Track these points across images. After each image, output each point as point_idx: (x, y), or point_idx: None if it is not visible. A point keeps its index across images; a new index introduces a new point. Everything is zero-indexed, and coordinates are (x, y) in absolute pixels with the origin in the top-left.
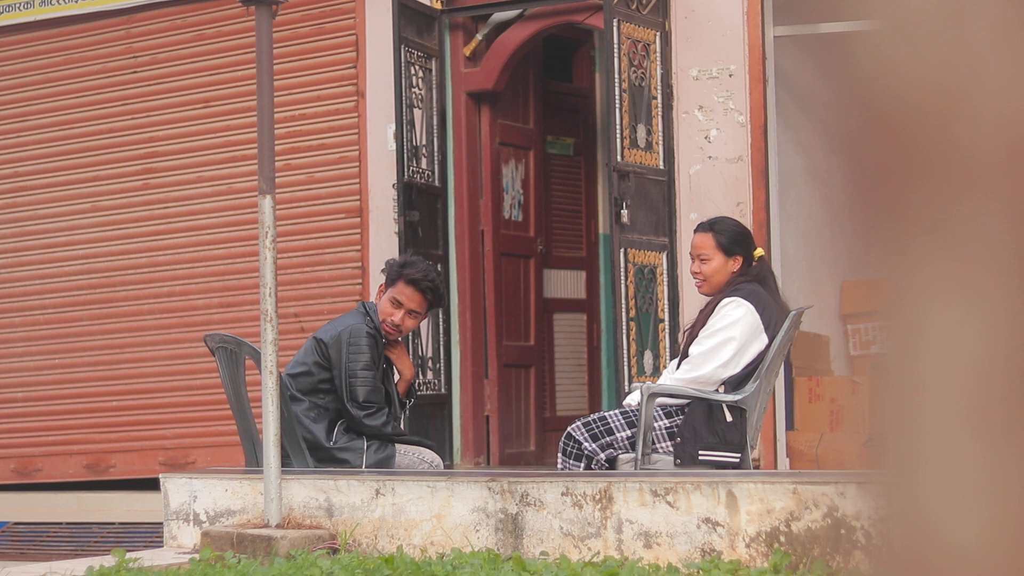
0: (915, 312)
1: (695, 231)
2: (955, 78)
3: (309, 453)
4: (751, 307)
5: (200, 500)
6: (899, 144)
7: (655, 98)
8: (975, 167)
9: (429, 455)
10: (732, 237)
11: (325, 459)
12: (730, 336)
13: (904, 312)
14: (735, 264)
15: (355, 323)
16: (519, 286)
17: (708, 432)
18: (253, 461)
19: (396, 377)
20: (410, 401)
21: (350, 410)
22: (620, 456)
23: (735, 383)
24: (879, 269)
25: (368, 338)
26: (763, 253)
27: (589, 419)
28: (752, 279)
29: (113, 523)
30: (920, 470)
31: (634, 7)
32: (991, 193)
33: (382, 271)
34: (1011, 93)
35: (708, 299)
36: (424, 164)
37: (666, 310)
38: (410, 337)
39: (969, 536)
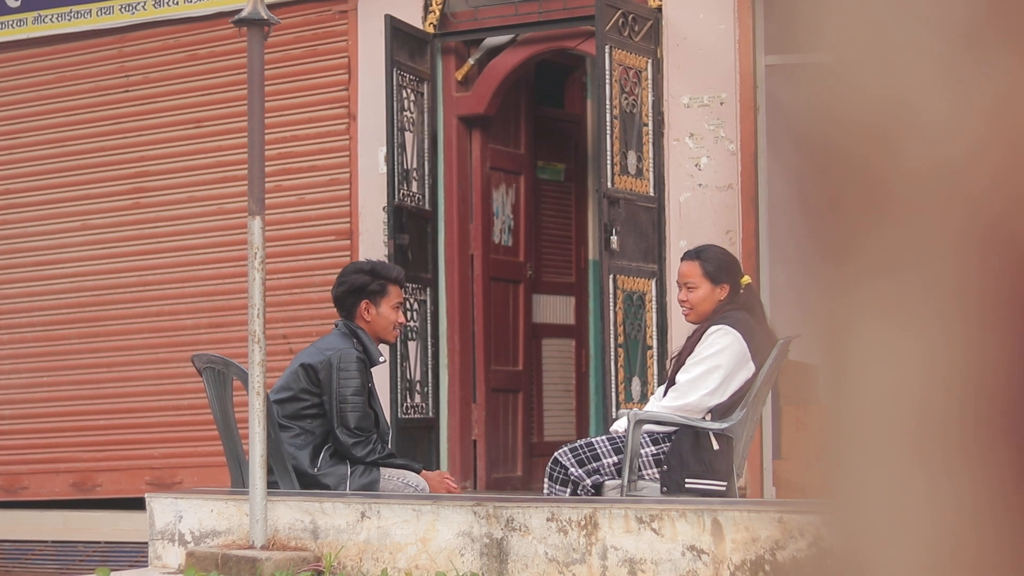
0: (845, 333)
1: (682, 259)
2: (889, 108)
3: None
4: (738, 335)
5: (185, 520)
6: (834, 166)
7: (646, 125)
8: (909, 192)
9: (414, 479)
10: (719, 265)
11: (310, 485)
12: (717, 364)
13: (835, 334)
14: (722, 292)
15: (344, 347)
16: (508, 311)
17: (695, 460)
18: (239, 482)
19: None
20: None
21: (340, 436)
22: (606, 482)
23: (722, 411)
24: (815, 292)
25: (358, 362)
26: (750, 281)
27: (576, 444)
28: (739, 307)
29: (99, 542)
30: (857, 498)
31: (626, 34)
32: (923, 219)
33: (346, 291)
34: (941, 125)
35: (695, 327)
36: (415, 187)
37: (654, 337)
38: (398, 360)
39: (906, 566)
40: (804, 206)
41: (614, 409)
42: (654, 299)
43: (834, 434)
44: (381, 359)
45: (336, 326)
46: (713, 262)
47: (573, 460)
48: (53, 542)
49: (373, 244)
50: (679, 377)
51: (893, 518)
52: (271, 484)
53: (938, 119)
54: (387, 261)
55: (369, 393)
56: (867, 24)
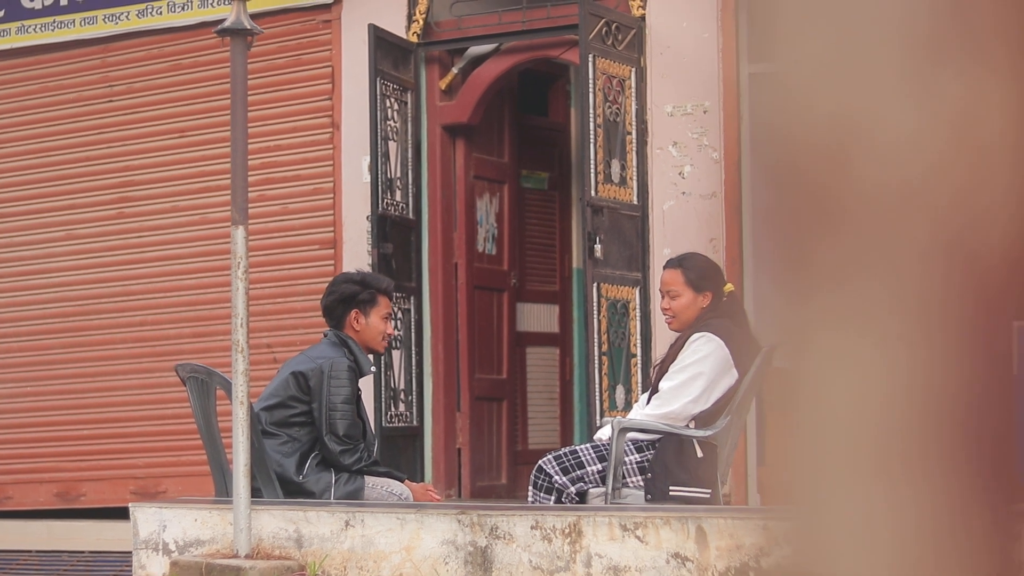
0: (806, 341)
1: (664, 267)
2: (845, 127)
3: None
4: (720, 342)
5: (169, 530)
6: (795, 180)
7: (630, 133)
8: (866, 208)
9: (398, 487)
10: (701, 273)
11: (295, 492)
12: (699, 371)
13: (796, 341)
14: (704, 300)
15: (335, 356)
16: (492, 319)
17: (679, 468)
18: (223, 491)
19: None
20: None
21: (328, 444)
22: (590, 490)
23: (706, 418)
24: (778, 301)
25: (349, 371)
26: (733, 289)
27: (560, 452)
28: (722, 315)
29: (83, 552)
30: (821, 508)
31: (610, 43)
32: (882, 234)
33: (336, 300)
34: (902, 144)
35: (679, 334)
36: (398, 196)
37: (638, 345)
38: (382, 369)
39: (868, 573)
40: (769, 216)
41: (598, 417)
42: (638, 307)
43: (796, 443)
44: (371, 369)
45: (325, 335)
46: (695, 270)
47: (557, 468)
48: (37, 552)
49: (357, 253)
50: (662, 385)
51: (855, 527)
52: (255, 492)
53: (899, 138)
54: (372, 271)
55: (357, 402)
56: (823, 37)
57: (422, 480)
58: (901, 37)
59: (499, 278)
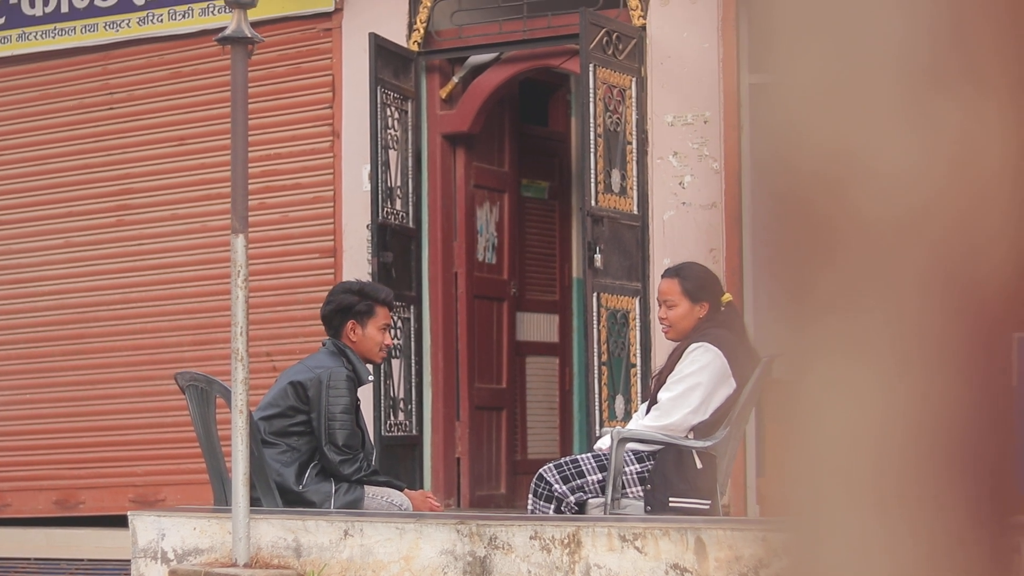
0: (804, 367)
1: (662, 277)
2: (844, 149)
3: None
4: (718, 352)
5: (168, 538)
6: (795, 205)
7: (630, 143)
8: (864, 238)
9: (398, 497)
10: (698, 283)
11: (294, 502)
12: (697, 382)
13: (794, 367)
14: (701, 310)
15: (334, 365)
16: (492, 329)
17: (678, 479)
18: (222, 500)
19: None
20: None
21: (327, 454)
22: (590, 500)
23: (705, 429)
24: (778, 326)
25: (348, 381)
26: (731, 299)
27: (561, 461)
28: (719, 325)
29: (82, 560)
30: (820, 538)
31: (610, 52)
32: (881, 263)
33: (334, 310)
34: (894, 165)
35: (677, 344)
36: (399, 205)
37: (638, 355)
38: (381, 378)
39: None
40: (768, 244)
41: (598, 427)
42: (638, 317)
43: (793, 468)
44: (369, 378)
45: (324, 344)
46: (692, 280)
47: (558, 476)
48: (36, 559)
49: (357, 262)
50: (661, 395)
51: (852, 543)
52: (254, 501)
53: (898, 166)
54: (373, 280)
55: (356, 412)
56: (822, 65)
57: (421, 489)
58: (900, 65)
59: (499, 287)
